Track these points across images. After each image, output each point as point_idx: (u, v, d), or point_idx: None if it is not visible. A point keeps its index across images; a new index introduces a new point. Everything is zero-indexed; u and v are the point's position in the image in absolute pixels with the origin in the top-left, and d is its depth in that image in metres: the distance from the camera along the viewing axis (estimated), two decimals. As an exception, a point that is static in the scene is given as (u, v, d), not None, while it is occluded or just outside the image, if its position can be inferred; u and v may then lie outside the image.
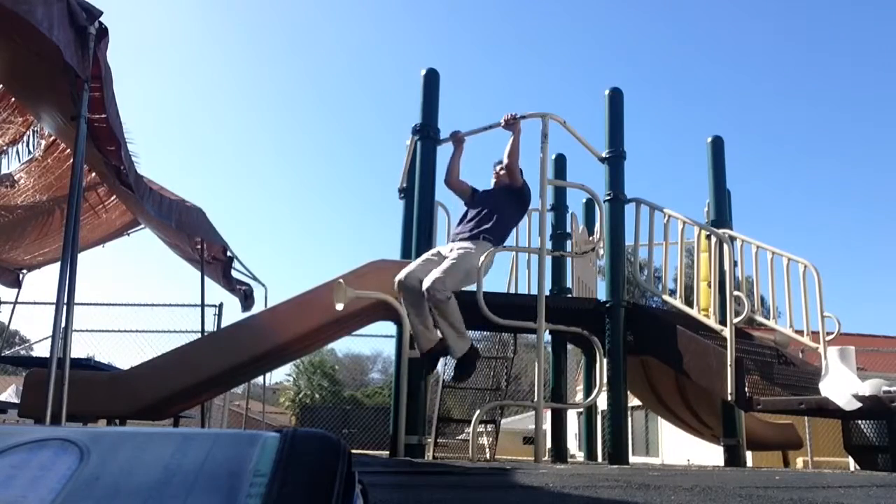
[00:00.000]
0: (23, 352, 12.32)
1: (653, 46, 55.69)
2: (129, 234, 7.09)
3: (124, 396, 4.74)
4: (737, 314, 4.70)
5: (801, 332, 4.68)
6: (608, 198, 5.09)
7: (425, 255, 4.44)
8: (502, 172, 4.64)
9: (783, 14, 50.77)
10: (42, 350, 10.64)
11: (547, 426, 6.13)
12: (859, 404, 3.83)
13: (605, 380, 4.73)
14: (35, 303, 8.47)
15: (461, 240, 4.41)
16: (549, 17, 59.41)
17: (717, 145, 5.89)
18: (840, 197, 50.70)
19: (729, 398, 4.25)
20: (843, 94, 49.51)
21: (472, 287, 4.27)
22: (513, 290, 6.02)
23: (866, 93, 47.75)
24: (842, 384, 3.99)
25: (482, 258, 4.28)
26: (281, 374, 26.73)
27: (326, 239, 67.01)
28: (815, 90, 52.29)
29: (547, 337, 5.59)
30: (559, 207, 6.29)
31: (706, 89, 54.25)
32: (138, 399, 4.77)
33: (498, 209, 4.49)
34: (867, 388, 3.92)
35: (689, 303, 5.14)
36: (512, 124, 4.56)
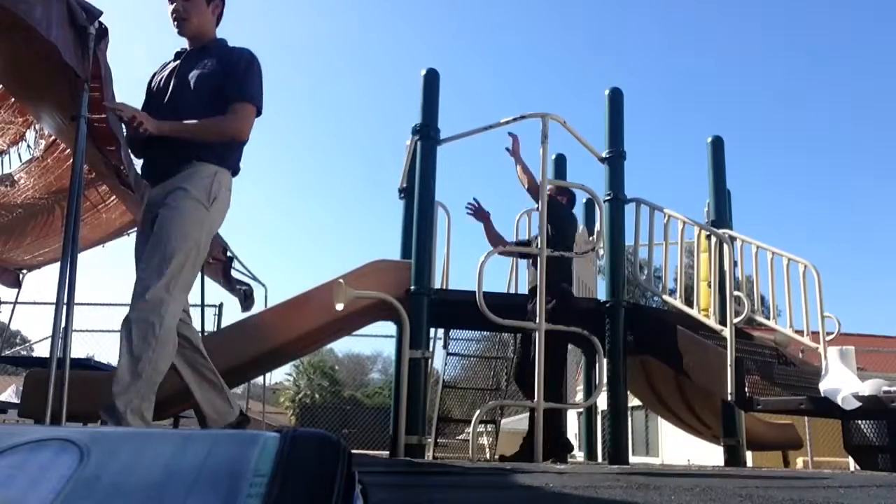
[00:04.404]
0: (23, 352, 12.32)
1: (653, 47, 55.69)
2: (128, 234, 7.08)
3: (124, 396, 4.73)
4: (737, 314, 4.70)
5: (801, 332, 4.68)
6: (608, 198, 5.08)
7: None
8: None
9: (783, 14, 50.82)
10: (42, 350, 10.63)
11: (547, 426, 6.11)
12: (859, 404, 3.82)
13: (605, 380, 4.72)
14: (35, 303, 8.47)
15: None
16: (548, 18, 59.43)
17: (717, 145, 5.89)
18: (840, 197, 50.75)
19: (729, 398, 4.24)
20: (844, 94, 49.54)
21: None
22: (513, 291, 6.01)
23: (867, 94, 47.77)
24: (842, 384, 3.99)
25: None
26: (281, 374, 26.73)
27: (326, 239, 67.05)
28: (815, 90, 52.32)
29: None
30: (559, 207, 6.27)
31: (707, 89, 54.27)
32: (138, 399, 4.76)
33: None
34: (867, 388, 3.91)
35: (689, 303, 5.14)
36: None
